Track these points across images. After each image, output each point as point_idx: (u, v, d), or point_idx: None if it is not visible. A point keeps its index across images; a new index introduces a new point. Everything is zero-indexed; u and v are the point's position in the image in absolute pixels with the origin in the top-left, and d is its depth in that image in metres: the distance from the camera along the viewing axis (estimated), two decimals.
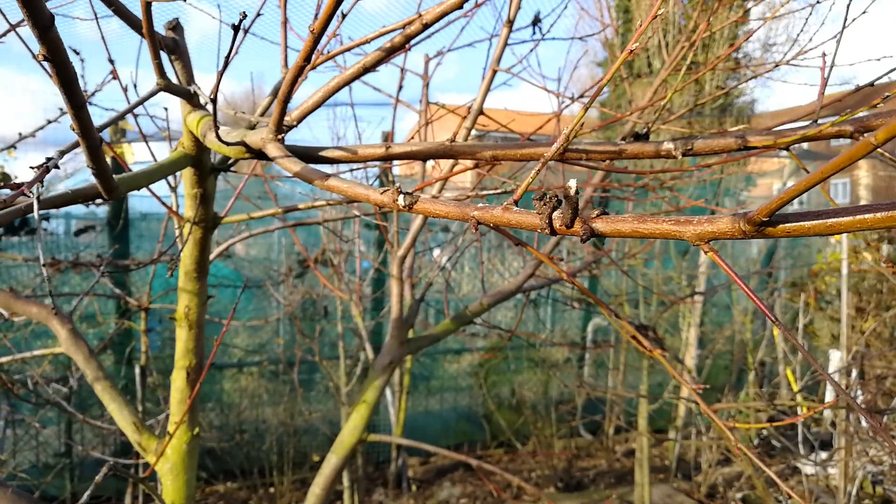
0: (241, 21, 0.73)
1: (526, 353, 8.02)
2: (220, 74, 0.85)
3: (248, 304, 7.34)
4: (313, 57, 1.24)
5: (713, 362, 7.94)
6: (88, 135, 0.75)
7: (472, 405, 8.10)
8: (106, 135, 5.28)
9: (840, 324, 6.37)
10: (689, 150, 0.84)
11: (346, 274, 5.50)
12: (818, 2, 2.29)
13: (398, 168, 7.43)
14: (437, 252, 6.34)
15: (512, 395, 8.02)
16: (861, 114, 0.80)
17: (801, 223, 0.48)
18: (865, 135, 0.77)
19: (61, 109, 2.22)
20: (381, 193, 0.70)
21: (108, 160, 3.85)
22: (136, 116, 1.78)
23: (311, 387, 7.20)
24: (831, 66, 0.87)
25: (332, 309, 6.61)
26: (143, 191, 1.98)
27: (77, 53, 2.55)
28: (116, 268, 4.95)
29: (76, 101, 0.68)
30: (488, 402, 7.89)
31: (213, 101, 0.89)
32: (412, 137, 3.00)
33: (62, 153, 0.84)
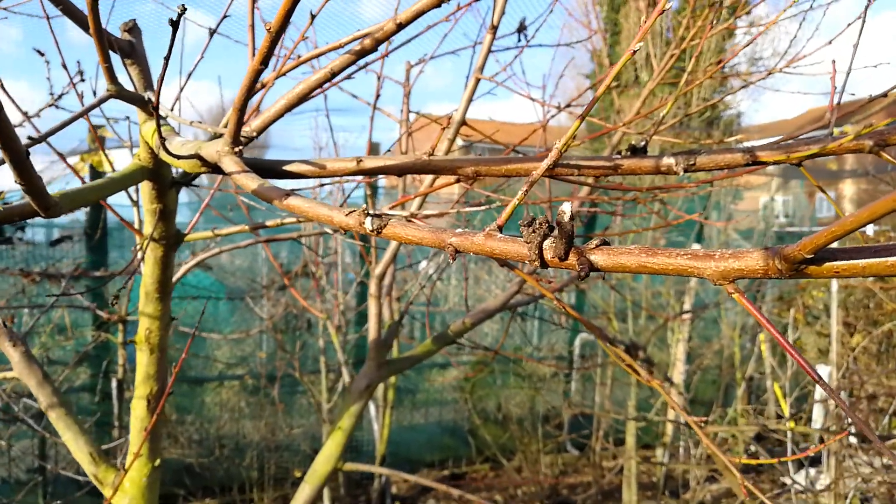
0: (180, 15, 0.64)
1: (512, 368, 7.93)
2: (161, 78, 0.76)
3: (230, 316, 7.22)
4: (281, 63, 1.15)
5: (701, 377, 7.88)
6: (11, 146, 0.65)
7: (458, 420, 8.00)
8: (84, 143, 5.15)
9: (827, 339, 6.32)
10: (692, 166, 0.75)
11: (328, 287, 5.39)
12: (811, 8, 2.23)
13: (384, 180, 7.34)
14: (423, 264, 6.25)
15: (498, 409, 7.92)
16: (882, 126, 0.72)
17: (854, 262, 0.39)
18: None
19: (26, 114, 2.12)
20: (347, 215, 0.61)
21: (87, 169, 3.69)
22: (85, 124, 1.69)
23: (293, 401, 7.08)
24: (848, 73, 0.79)
25: (315, 321, 6.51)
26: (125, 199, 1.88)
27: (42, 55, 2.44)
28: (88, 278, 4.83)
29: None
30: (474, 417, 7.79)
31: (156, 109, 0.79)
32: (389, 149, 2.92)
33: None
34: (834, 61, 0.89)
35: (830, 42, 2.13)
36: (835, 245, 0.42)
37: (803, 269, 0.40)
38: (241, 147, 0.85)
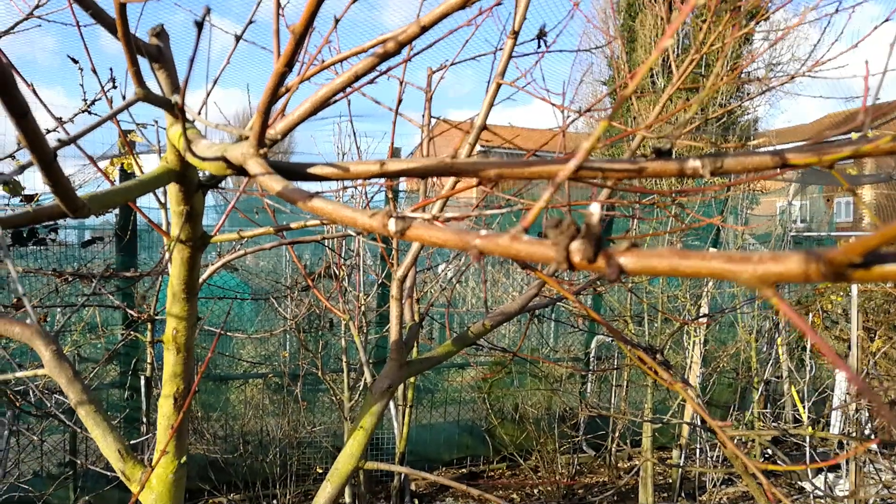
0: (204, 17, 0.65)
1: (529, 368, 7.94)
2: (186, 79, 0.76)
3: (255, 316, 7.31)
4: (305, 68, 1.16)
5: (717, 380, 7.83)
6: (38, 147, 0.66)
7: (476, 419, 8.03)
8: (115, 147, 5.21)
9: (846, 343, 6.26)
10: (720, 169, 0.75)
11: (349, 289, 5.42)
12: (837, 11, 2.21)
13: (405, 184, 7.34)
14: (442, 266, 6.25)
15: (515, 409, 7.93)
16: None
17: None
18: None
19: (59, 119, 2.14)
20: (370, 217, 0.61)
21: (117, 172, 3.72)
22: (117, 130, 1.70)
23: (315, 399, 7.14)
24: (885, 73, 0.78)
25: (337, 321, 6.55)
26: (153, 202, 1.90)
27: (76, 62, 2.48)
28: (117, 278, 4.90)
29: (16, 107, 0.60)
30: (491, 417, 7.81)
31: (181, 110, 0.80)
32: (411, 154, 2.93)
33: (22, 168, 0.76)
34: (867, 62, 0.88)
35: (856, 45, 2.11)
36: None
37: (850, 273, 0.39)
38: (265, 149, 0.85)
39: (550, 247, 0.49)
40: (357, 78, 0.86)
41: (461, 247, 0.56)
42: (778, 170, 0.72)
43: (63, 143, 0.86)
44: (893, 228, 0.36)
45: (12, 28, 1.99)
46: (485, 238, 0.54)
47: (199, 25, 0.66)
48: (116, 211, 5.53)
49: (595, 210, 0.46)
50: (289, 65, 0.73)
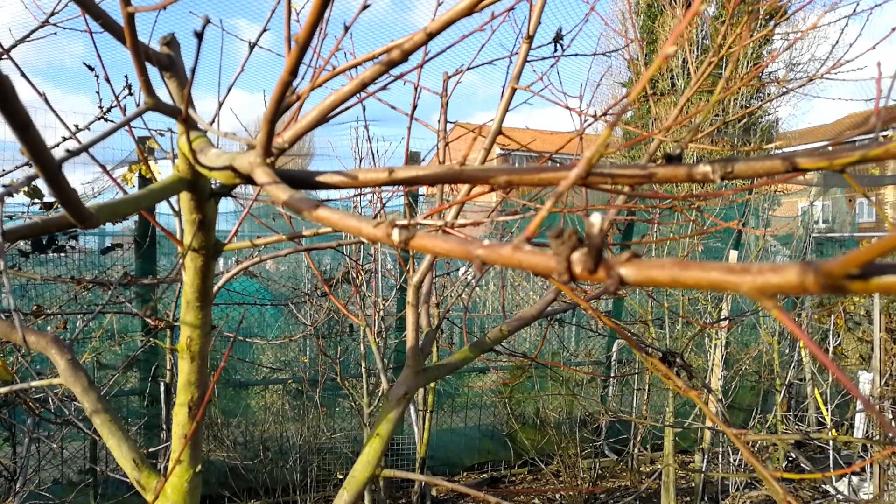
0: (204, 26, 0.65)
1: (550, 372, 7.91)
2: (189, 89, 0.76)
3: (275, 322, 7.33)
4: (316, 75, 1.16)
5: (739, 382, 7.77)
6: (42, 159, 0.66)
7: (496, 423, 8.01)
8: (134, 154, 5.26)
9: (869, 345, 6.19)
10: (730, 174, 0.73)
11: (368, 294, 5.43)
12: (854, 12, 2.18)
13: (425, 188, 7.35)
14: (461, 270, 6.25)
15: (536, 413, 7.90)
16: None
17: None
18: None
19: (76, 126, 2.15)
20: (375, 227, 0.61)
21: (135, 179, 3.74)
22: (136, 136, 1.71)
23: (334, 405, 7.15)
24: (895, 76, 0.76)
25: (357, 326, 6.56)
26: (169, 209, 1.91)
27: (91, 70, 2.49)
28: (136, 285, 4.94)
29: (17, 119, 0.59)
30: (512, 421, 7.79)
31: (186, 120, 0.80)
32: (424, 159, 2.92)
33: (30, 180, 0.76)
34: (879, 63, 0.86)
35: (874, 47, 2.08)
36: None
37: (847, 284, 0.38)
38: (273, 158, 0.85)
39: (552, 258, 0.48)
40: (364, 86, 0.86)
41: (465, 256, 0.55)
42: (789, 174, 0.71)
43: (72, 154, 0.86)
44: (890, 240, 0.36)
45: (27, 36, 2.01)
46: (487, 248, 0.53)
47: (199, 36, 0.65)
48: (136, 217, 5.57)
49: (596, 220, 0.45)
50: (293, 73, 0.73)
